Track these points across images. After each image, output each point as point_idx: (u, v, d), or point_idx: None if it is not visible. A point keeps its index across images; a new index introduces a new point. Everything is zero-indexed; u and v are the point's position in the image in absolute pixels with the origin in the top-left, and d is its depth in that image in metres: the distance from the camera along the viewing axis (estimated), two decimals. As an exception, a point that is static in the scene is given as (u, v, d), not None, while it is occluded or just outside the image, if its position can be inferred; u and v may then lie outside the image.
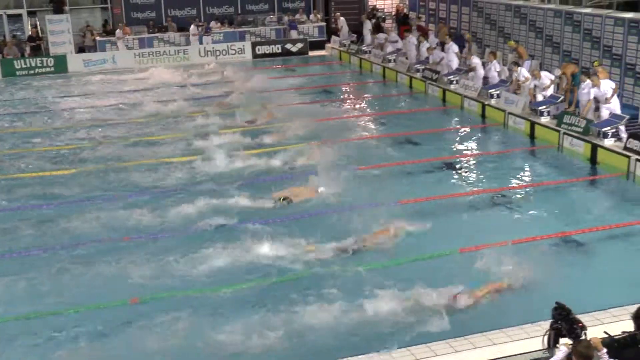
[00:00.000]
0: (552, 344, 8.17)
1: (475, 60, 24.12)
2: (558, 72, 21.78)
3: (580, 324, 7.97)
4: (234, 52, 33.25)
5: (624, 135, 17.26)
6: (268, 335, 9.92)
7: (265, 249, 12.44)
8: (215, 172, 16.98)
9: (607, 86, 18.13)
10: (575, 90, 19.72)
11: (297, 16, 35.71)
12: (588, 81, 18.40)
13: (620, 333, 7.62)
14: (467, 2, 30.16)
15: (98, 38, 33.09)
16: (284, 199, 14.94)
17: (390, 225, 13.06)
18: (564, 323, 8.03)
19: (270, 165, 17.46)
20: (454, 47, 25.60)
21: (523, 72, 21.30)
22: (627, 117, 17.80)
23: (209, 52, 32.96)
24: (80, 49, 32.96)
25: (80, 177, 17.16)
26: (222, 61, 32.11)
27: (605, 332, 7.71)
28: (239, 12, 35.83)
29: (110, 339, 10.26)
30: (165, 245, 12.99)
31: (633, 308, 7.83)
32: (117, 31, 32.99)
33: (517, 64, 21.85)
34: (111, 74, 30.04)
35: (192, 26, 33.74)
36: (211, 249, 12.57)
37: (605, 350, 7.18)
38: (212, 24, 34.40)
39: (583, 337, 7.82)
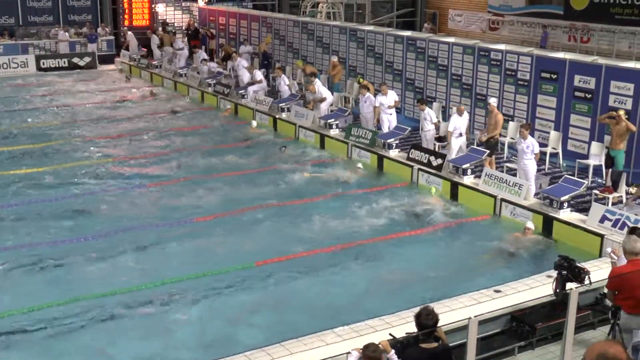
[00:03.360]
0: (560, 289, 9.60)
1: (259, 74, 24.61)
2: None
3: (585, 269, 9.50)
4: (16, 65, 31.44)
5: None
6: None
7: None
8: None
9: (392, 97, 19.54)
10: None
11: (85, 29, 34.45)
12: (368, 94, 19.46)
13: (404, 334, 7.96)
14: (256, 17, 30.60)
15: None
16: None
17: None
18: (569, 271, 9.47)
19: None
20: (243, 62, 25.94)
21: (320, 88, 21.99)
22: (409, 128, 18.81)
23: (-13, 65, 30.98)
24: None
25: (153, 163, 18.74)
26: (3, 75, 30.44)
27: (390, 334, 8.05)
28: (21, 23, 33.96)
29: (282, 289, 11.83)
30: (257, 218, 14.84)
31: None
32: None
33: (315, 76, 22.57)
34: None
35: None
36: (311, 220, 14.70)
37: (393, 351, 7.47)
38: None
39: (587, 281, 9.46)
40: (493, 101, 17.30)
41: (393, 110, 19.62)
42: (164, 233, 14.12)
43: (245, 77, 25.35)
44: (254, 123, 22.06)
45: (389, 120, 19.35)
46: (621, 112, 15.34)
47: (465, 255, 13.17)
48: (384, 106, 19.34)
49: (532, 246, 13.47)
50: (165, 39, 32.56)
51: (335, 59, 24.12)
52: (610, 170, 15.32)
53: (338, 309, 10.99)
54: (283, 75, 23.95)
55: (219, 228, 14.35)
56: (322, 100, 21.40)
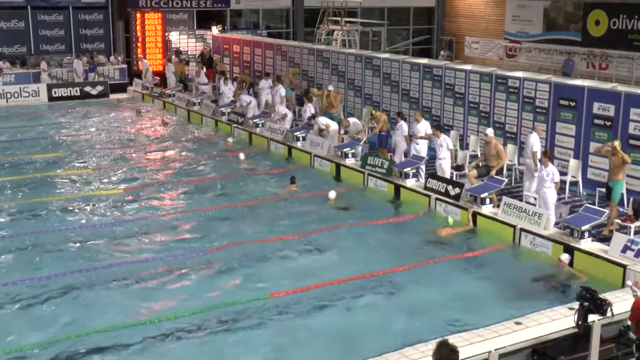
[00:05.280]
0: (583, 322, 9.41)
1: (282, 109, 24.41)
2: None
3: (607, 301, 9.31)
4: (27, 94, 31.24)
5: (422, 176, 18.20)
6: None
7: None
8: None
9: (424, 126, 18.90)
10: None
11: (96, 58, 34.44)
12: (401, 122, 19.21)
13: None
14: (271, 45, 30.57)
15: None
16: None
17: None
18: (591, 302, 9.29)
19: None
20: (282, 91, 25.61)
21: (321, 120, 21.79)
22: (426, 157, 18.56)
23: (-1, 95, 30.89)
24: None
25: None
26: (14, 104, 30.43)
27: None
28: (32, 52, 34.00)
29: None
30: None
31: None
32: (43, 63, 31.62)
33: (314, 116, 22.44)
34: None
35: None
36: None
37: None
38: (0, 64, 32.33)
39: (609, 313, 9.26)
40: (490, 132, 17.01)
41: (423, 141, 18.96)
42: (174, 264, 13.86)
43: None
44: (242, 155, 21.92)
45: (417, 150, 18.78)
46: (616, 143, 15.10)
47: (485, 286, 12.88)
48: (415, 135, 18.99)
49: (555, 277, 13.21)
50: (178, 68, 32.57)
51: (331, 88, 23.77)
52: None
53: (356, 342, 10.73)
54: (310, 104, 23.74)
55: (231, 259, 14.10)
56: (358, 133, 21.23)
